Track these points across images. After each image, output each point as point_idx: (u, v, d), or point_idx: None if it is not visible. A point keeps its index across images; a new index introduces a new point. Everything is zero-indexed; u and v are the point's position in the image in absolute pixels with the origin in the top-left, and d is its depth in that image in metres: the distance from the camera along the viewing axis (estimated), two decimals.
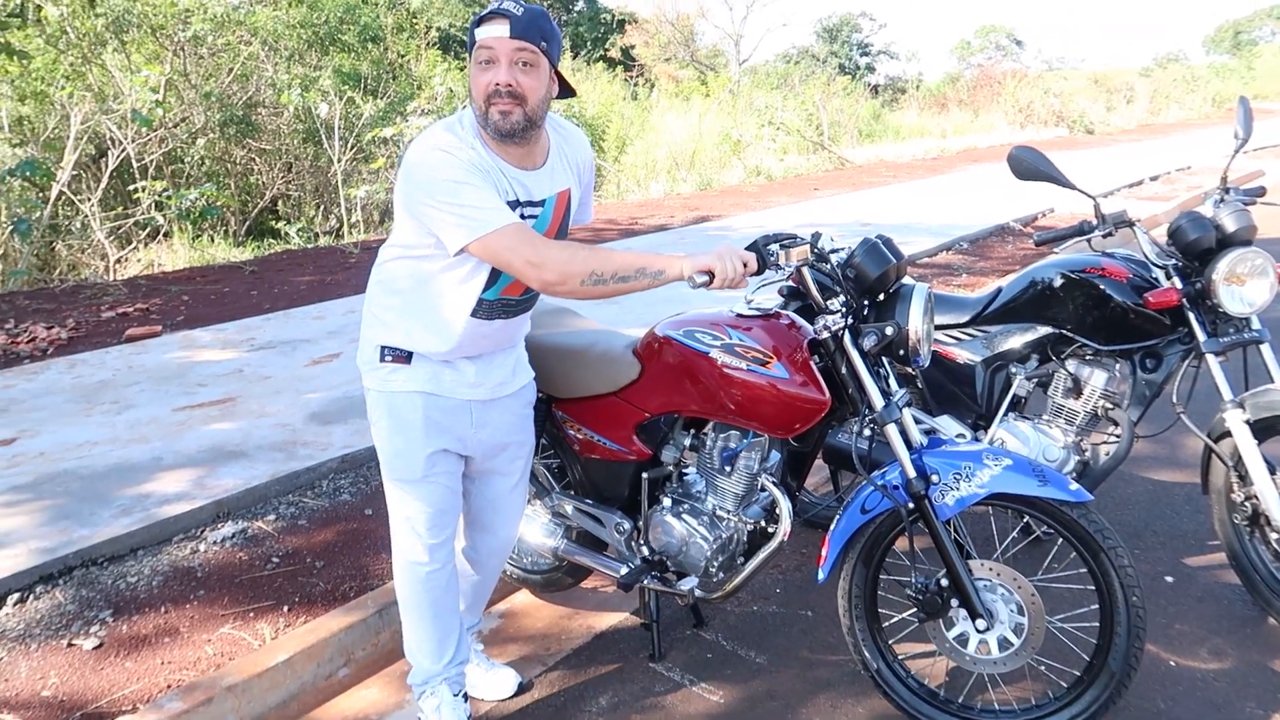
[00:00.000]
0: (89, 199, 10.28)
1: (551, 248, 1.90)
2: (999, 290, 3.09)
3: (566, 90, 2.03)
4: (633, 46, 35.99)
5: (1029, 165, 2.77)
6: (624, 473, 2.57)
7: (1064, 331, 2.89)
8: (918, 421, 3.13)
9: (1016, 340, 2.99)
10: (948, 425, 3.05)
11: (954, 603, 2.21)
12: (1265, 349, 2.70)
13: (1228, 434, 2.64)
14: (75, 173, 10.60)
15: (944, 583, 2.21)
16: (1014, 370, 3.00)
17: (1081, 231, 2.84)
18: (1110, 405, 2.88)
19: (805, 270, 2.16)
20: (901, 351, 2.17)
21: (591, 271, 1.89)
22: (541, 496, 2.77)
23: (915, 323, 2.15)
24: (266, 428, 4.23)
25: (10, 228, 8.64)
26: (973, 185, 13.29)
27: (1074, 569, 2.23)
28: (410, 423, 2.14)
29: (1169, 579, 3.03)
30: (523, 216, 2.00)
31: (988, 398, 3.04)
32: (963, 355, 3.08)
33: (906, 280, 2.27)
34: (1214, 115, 34.14)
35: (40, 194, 9.90)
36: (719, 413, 2.32)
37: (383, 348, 2.13)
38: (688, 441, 2.49)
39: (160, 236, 10.49)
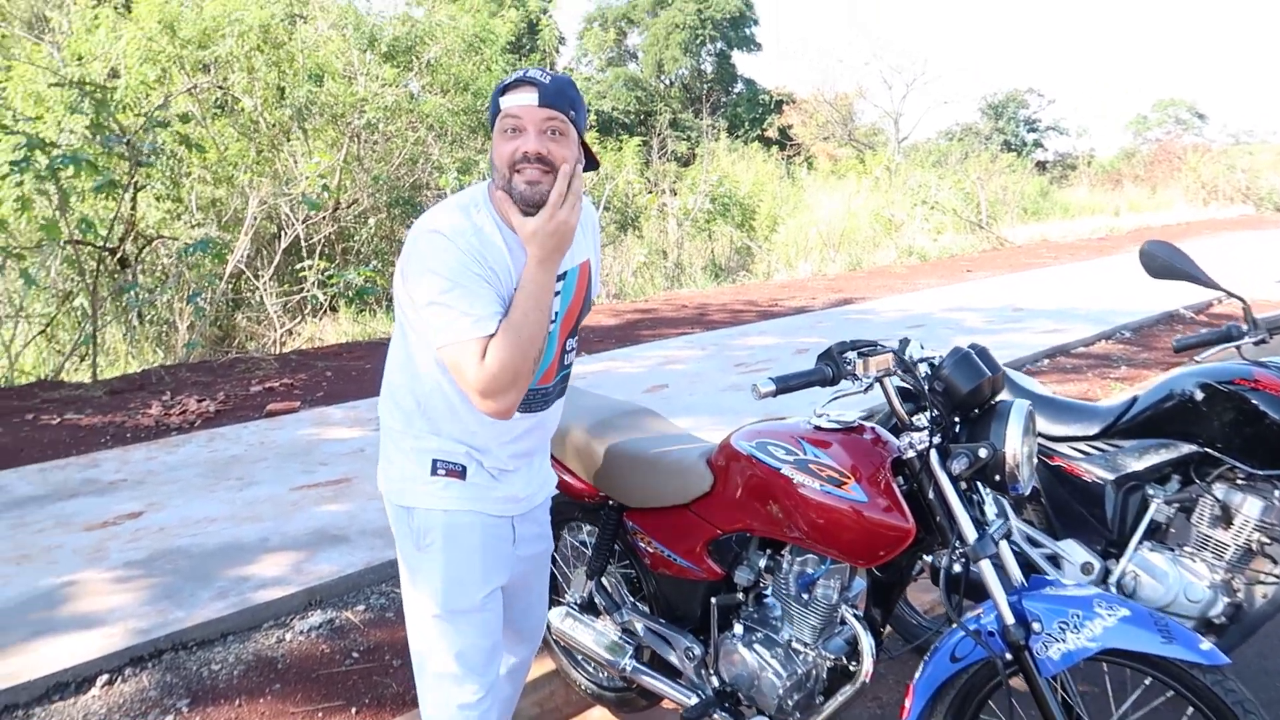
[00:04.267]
0: (264, 275, 10.98)
1: (485, 364, 1.71)
2: (1134, 400, 2.75)
3: (592, 162, 1.89)
4: (790, 126, 36.22)
5: (1163, 262, 2.47)
6: (695, 592, 2.38)
7: (1210, 451, 2.53)
8: (1036, 545, 2.81)
9: (1154, 458, 2.64)
10: (1073, 551, 2.72)
11: None
12: None
13: None
14: (255, 250, 11.39)
15: None
16: (1151, 492, 2.65)
17: (1229, 337, 2.50)
18: (1268, 540, 2.48)
19: (887, 381, 1.95)
20: (997, 477, 1.91)
21: (525, 366, 1.74)
22: (612, 611, 2.60)
23: (1013, 444, 1.89)
24: (374, 511, 4.24)
25: (188, 301, 9.28)
26: (1141, 268, 12.44)
27: None
28: (470, 546, 1.95)
29: None
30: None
31: (1120, 522, 2.68)
32: (1092, 472, 2.74)
33: (1005, 396, 2.02)
34: None
35: (217, 271, 10.63)
36: (793, 535, 2.11)
37: (434, 460, 1.93)
38: (763, 563, 2.28)
39: (327, 310, 11.07)
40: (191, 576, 3.61)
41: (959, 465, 1.90)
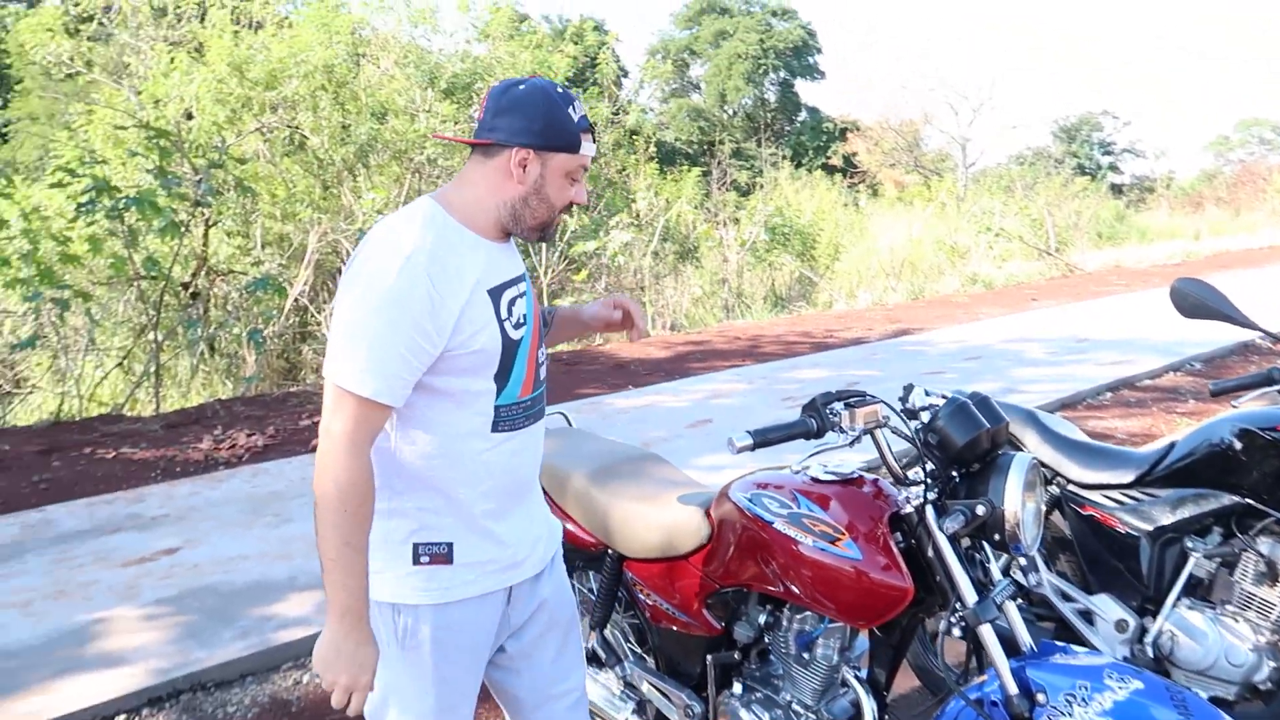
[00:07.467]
0: (326, 309, 11.16)
1: (348, 455, 1.55)
2: (1171, 445, 2.59)
3: None
4: (855, 154, 35.90)
5: (1195, 301, 2.33)
6: (695, 647, 2.29)
7: (1252, 502, 2.36)
8: (1068, 600, 2.65)
9: (1193, 509, 2.47)
10: (1106, 608, 2.56)
11: None
12: None
13: None
14: (319, 283, 11.59)
15: None
16: (1190, 545, 2.48)
17: (1270, 380, 2.33)
18: None
19: (879, 433, 1.85)
20: (997, 535, 1.79)
21: (324, 509, 1.55)
22: (614, 665, 2.52)
23: (1013, 501, 1.77)
24: None
25: (248, 337, 9.50)
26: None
27: None
28: (463, 646, 1.76)
29: None
30: (514, 300, 1.71)
31: (1157, 577, 2.52)
32: (1126, 523, 2.58)
33: (1009, 449, 1.90)
34: None
35: (278, 306, 10.87)
36: (789, 592, 2.02)
37: (416, 546, 1.70)
38: (762, 619, 2.18)
39: None
40: (217, 615, 3.63)
41: (954, 523, 1.78)
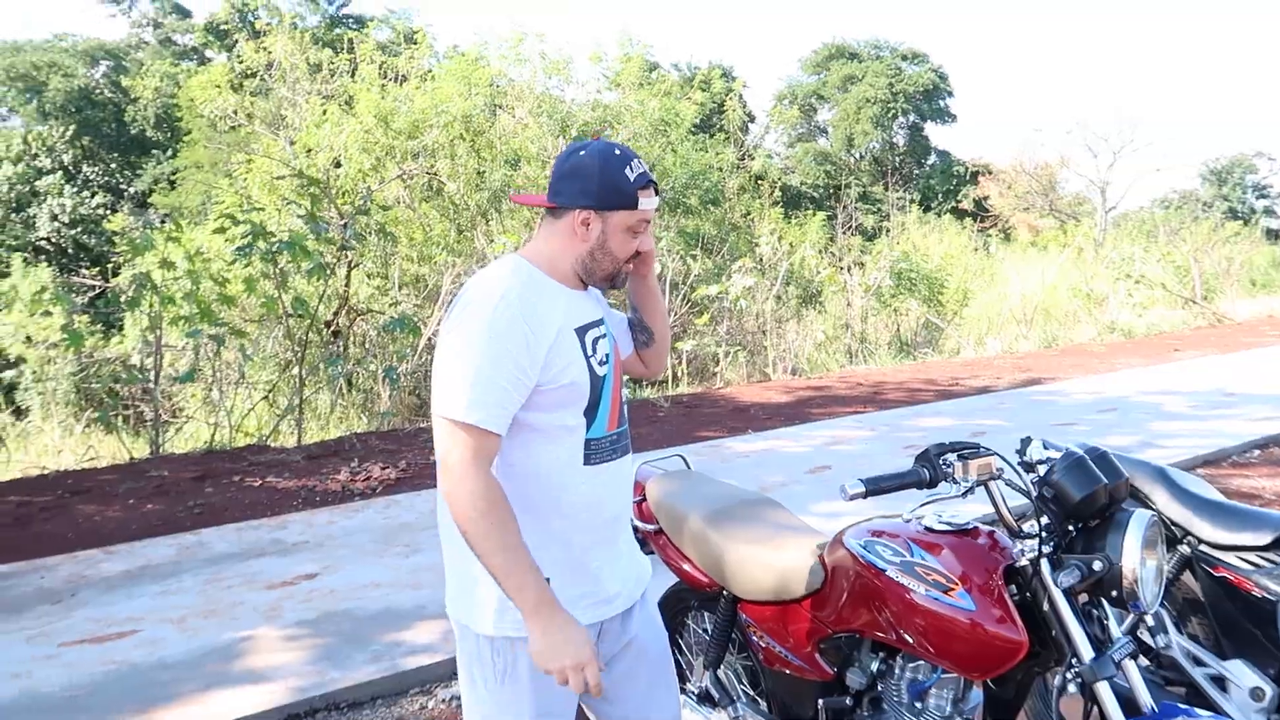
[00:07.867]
0: None
1: (472, 478, 1.67)
2: None
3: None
4: (986, 197, 35.07)
5: None
6: (808, 692, 2.32)
7: None
8: (1200, 664, 2.56)
9: None
10: (1241, 674, 2.46)
11: None
12: None
13: None
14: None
15: None
16: None
17: None
18: None
19: (993, 485, 1.87)
20: (1114, 592, 1.78)
21: (471, 531, 1.67)
22: (726, 705, 2.56)
23: (1131, 558, 1.76)
24: None
25: (384, 375, 9.97)
26: None
27: None
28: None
29: None
30: (596, 340, 1.87)
31: None
32: (1263, 586, 2.48)
33: (1133, 505, 1.89)
34: None
35: (412, 344, 11.37)
36: (900, 641, 2.03)
37: None
38: (875, 666, 2.20)
39: None
40: (350, 639, 3.83)
41: (1070, 578, 1.78)
